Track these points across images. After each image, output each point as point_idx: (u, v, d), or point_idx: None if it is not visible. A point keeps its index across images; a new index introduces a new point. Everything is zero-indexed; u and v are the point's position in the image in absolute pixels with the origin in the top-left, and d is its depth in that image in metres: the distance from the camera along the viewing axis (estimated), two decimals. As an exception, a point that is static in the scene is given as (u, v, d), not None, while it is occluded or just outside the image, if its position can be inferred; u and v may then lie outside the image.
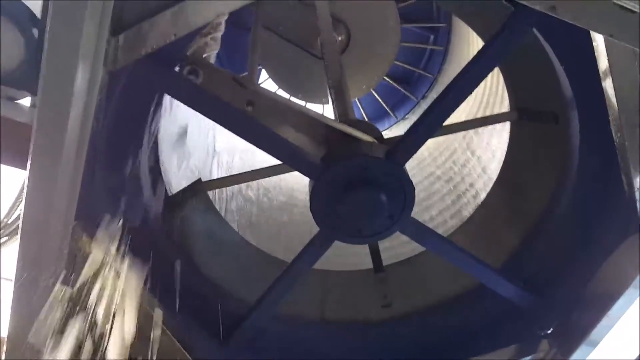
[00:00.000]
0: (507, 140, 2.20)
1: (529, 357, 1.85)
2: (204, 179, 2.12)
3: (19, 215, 1.69)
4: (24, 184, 1.32)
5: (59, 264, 1.40)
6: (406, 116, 3.57)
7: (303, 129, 1.72)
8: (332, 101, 2.16)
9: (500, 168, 2.23)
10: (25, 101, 1.37)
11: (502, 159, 2.25)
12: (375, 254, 2.13)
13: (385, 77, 3.27)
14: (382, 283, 2.11)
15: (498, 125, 2.35)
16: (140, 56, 1.27)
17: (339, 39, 2.70)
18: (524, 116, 2.09)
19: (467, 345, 1.94)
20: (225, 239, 2.22)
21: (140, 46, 1.26)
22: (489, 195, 2.27)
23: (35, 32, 1.30)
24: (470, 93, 1.61)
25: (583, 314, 1.76)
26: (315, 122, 1.72)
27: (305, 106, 1.77)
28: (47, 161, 1.26)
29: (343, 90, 2.18)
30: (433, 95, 3.48)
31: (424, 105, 3.52)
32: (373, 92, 3.42)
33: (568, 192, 1.94)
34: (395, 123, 3.61)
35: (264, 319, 1.87)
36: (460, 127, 2.32)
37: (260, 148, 1.65)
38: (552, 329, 1.86)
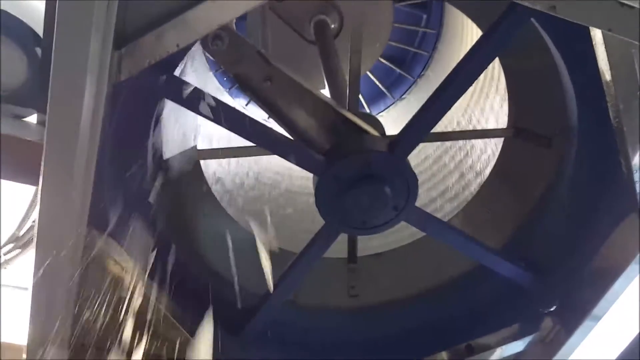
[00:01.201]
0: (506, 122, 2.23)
1: (533, 335, 1.91)
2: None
3: (30, 227, 1.75)
4: (35, 197, 1.34)
5: (74, 270, 1.44)
6: (403, 96, 3.56)
7: (315, 114, 1.71)
8: (330, 89, 2.18)
9: (499, 150, 2.27)
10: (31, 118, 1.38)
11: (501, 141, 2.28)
12: (352, 244, 2.18)
13: (380, 58, 3.25)
14: (352, 272, 2.18)
15: (496, 106, 2.38)
16: (144, 68, 1.28)
17: (332, 26, 2.68)
18: (520, 135, 2.13)
19: (472, 327, 1.99)
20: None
21: (144, 58, 1.27)
22: (489, 177, 2.31)
23: (38, 51, 1.31)
24: (471, 84, 1.63)
25: (586, 291, 1.80)
26: (327, 109, 1.71)
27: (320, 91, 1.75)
28: (59, 175, 1.28)
29: (339, 79, 2.20)
30: (429, 73, 3.47)
31: (421, 83, 3.51)
32: (369, 73, 3.41)
33: (568, 172, 1.98)
34: (392, 103, 3.60)
35: (273, 313, 1.91)
36: (456, 136, 2.36)
37: (262, 147, 1.67)
38: (554, 307, 1.91)
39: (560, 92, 1.84)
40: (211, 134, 2.60)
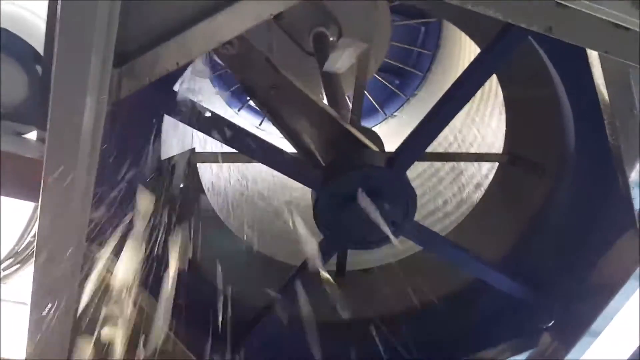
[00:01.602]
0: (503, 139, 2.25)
1: (531, 351, 1.91)
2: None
3: (29, 243, 1.76)
4: (34, 213, 1.34)
5: (73, 284, 1.45)
6: (395, 113, 3.57)
7: (318, 125, 1.73)
8: (328, 101, 2.19)
9: (497, 165, 2.28)
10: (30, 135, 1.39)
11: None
12: (342, 257, 2.18)
13: (375, 74, 3.27)
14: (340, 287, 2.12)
15: (494, 124, 2.39)
16: (143, 86, 1.28)
17: (332, 39, 2.70)
18: (514, 162, 2.15)
19: (470, 343, 1.99)
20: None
21: (143, 76, 1.27)
22: (486, 191, 2.32)
23: (38, 69, 1.31)
24: (469, 100, 1.64)
25: (584, 306, 1.80)
26: (331, 121, 1.72)
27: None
28: (58, 191, 1.28)
29: (337, 92, 2.21)
30: (422, 94, 3.48)
31: (414, 102, 3.52)
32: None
33: (566, 187, 1.99)
34: (384, 120, 3.60)
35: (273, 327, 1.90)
36: (451, 157, 2.38)
37: (262, 163, 1.68)
38: (553, 322, 1.91)
39: (558, 119, 1.85)
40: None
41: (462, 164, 2.64)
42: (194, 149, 2.21)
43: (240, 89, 3.44)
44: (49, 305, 1.44)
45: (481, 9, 1.10)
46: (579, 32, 1.15)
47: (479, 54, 1.63)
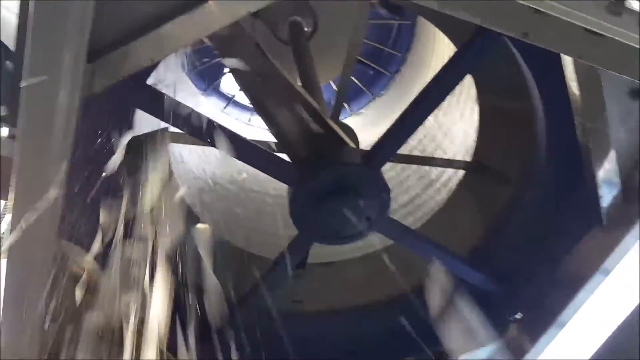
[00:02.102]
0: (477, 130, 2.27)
1: (498, 342, 1.96)
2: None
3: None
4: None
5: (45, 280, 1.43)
6: (382, 92, 3.56)
7: (299, 118, 1.71)
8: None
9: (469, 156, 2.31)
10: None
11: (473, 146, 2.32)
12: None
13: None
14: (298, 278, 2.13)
15: (467, 113, 2.41)
16: (116, 81, 1.26)
17: (306, 29, 2.68)
18: (481, 171, 2.19)
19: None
20: None
21: (117, 72, 1.25)
22: (459, 184, 2.35)
23: (9, 64, 1.28)
24: (443, 100, 1.66)
25: (552, 298, 1.84)
26: (314, 114, 1.71)
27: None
28: (31, 188, 1.26)
29: (312, 81, 2.20)
30: (407, 69, 3.47)
31: (399, 79, 3.51)
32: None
33: (535, 183, 2.03)
34: (371, 100, 3.59)
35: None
36: (421, 161, 2.41)
37: (236, 158, 1.67)
38: (520, 314, 1.96)
39: (531, 129, 1.89)
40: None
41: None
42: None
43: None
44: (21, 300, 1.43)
45: (459, 13, 1.11)
46: (554, 38, 1.17)
47: (455, 53, 1.65)
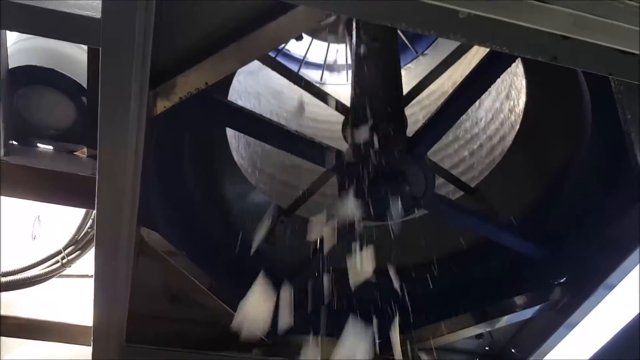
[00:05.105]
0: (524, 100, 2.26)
1: (542, 304, 2.07)
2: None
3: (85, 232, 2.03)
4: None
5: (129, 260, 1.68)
6: (425, 52, 3.47)
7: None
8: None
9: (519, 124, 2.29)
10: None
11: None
12: None
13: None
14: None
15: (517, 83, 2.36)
16: (176, 103, 1.41)
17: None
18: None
19: (483, 295, 2.15)
20: None
21: (176, 95, 1.40)
22: (508, 150, 2.35)
23: (83, 99, 1.49)
24: (491, 85, 1.69)
25: (598, 262, 1.89)
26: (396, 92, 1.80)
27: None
28: (111, 199, 1.47)
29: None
30: None
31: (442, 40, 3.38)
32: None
33: (584, 150, 2.04)
34: (415, 58, 3.52)
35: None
36: None
37: (278, 147, 1.80)
38: (565, 278, 2.04)
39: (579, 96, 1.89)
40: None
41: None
42: None
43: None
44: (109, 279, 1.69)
45: (487, 45, 1.15)
46: (584, 60, 1.19)
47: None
